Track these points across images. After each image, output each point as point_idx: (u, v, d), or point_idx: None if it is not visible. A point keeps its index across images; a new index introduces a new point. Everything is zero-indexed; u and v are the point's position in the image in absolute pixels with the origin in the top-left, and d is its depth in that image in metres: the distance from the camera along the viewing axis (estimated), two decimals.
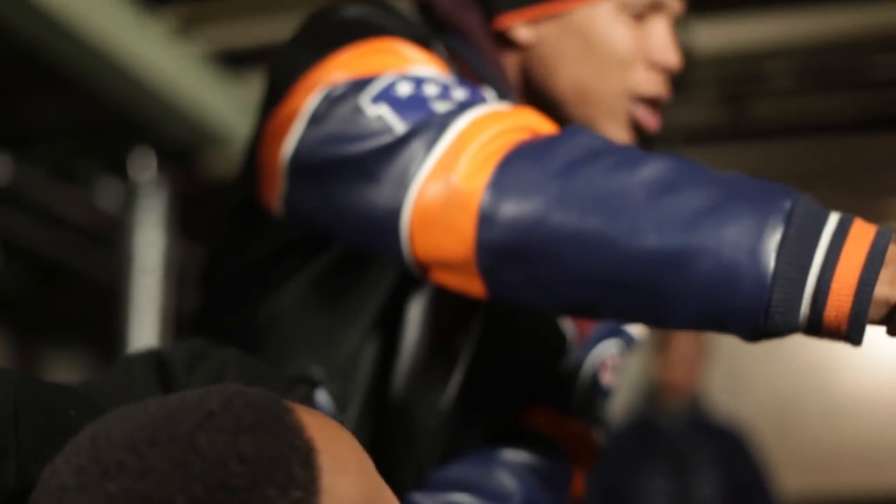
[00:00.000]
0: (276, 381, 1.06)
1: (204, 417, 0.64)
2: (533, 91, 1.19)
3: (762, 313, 0.88)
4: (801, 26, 3.26)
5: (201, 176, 3.82)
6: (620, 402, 3.52)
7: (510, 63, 1.20)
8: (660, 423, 3.40)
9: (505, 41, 1.19)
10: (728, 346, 4.87)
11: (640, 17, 1.17)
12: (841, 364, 5.26)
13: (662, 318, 0.93)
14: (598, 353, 1.28)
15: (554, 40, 1.17)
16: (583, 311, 1.04)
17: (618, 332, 1.30)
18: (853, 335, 0.89)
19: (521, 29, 1.18)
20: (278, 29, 3.10)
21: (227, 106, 3.53)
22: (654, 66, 1.18)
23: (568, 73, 1.17)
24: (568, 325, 1.25)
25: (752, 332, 0.91)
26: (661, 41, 1.17)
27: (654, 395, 3.44)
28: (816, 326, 0.89)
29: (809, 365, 5.28)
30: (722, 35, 3.13)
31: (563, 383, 1.26)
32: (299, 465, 0.63)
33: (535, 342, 1.23)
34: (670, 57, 1.17)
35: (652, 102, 1.19)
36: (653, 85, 1.18)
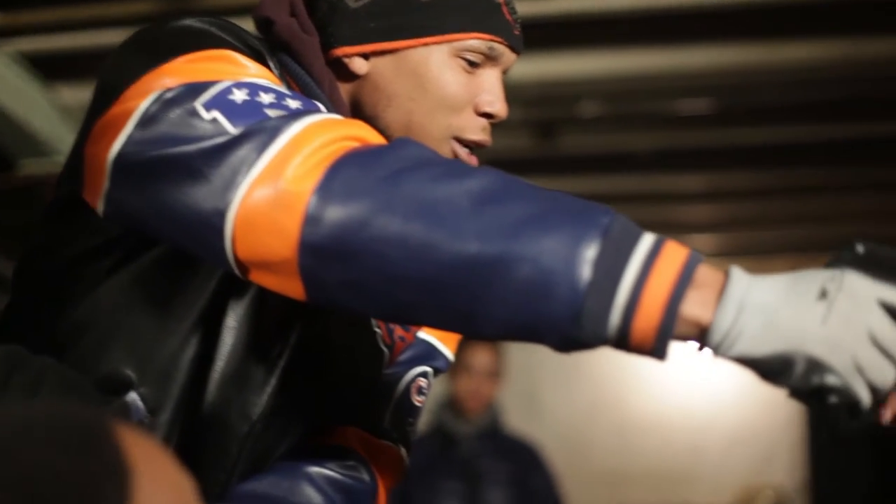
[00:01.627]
0: (92, 393, 1.04)
1: (24, 430, 0.63)
2: (364, 119, 1.19)
3: (574, 322, 0.90)
4: (611, 65, 3.40)
5: (12, 180, 3.71)
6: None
7: (344, 90, 1.22)
8: (456, 435, 3.45)
9: (341, 68, 1.21)
10: (522, 366, 5.03)
11: (473, 65, 1.20)
12: (632, 387, 5.45)
13: (479, 323, 0.95)
14: (410, 375, 1.29)
15: (388, 75, 1.19)
16: (401, 315, 1.06)
17: (431, 358, 1.32)
18: (659, 350, 0.92)
19: (357, 60, 1.20)
20: (89, 38, 3.09)
21: (37, 113, 3.45)
22: (481, 113, 1.21)
23: (398, 108, 1.19)
24: (385, 344, 1.28)
25: (564, 341, 0.93)
26: (491, 91, 1.21)
27: (451, 407, 3.50)
28: (625, 339, 0.92)
29: (601, 387, 5.45)
30: (535, 69, 3.24)
31: (375, 401, 1.26)
32: (114, 485, 0.62)
33: (352, 357, 1.24)
34: (498, 108, 1.21)
35: (474, 145, 1.22)
36: (477, 131, 1.21)
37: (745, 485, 5.35)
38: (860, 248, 1.03)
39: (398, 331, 1.27)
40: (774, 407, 5.36)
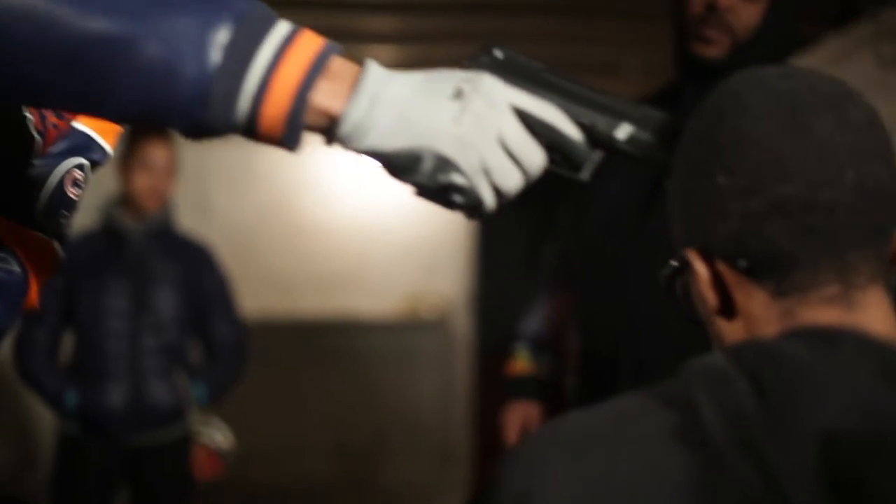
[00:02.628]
0: None
1: None
2: None
3: (202, 106, 0.89)
4: None
5: None
6: (89, 209, 3.45)
7: None
8: (126, 233, 3.37)
9: None
10: (194, 166, 4.94)
11: None
12: (303, 192, 5.46)
13: (107, 104, 0.92)
14: (65, 166, 1.23)
15: None
16: (26, 94, 1.00)
17: (87, 150, 1.24)
18: (288, 139, 0.92)
19: None
20: None
21: None
22: None
23: None
24: (36, 131, 1.20)
25: (192, 126, 0.92)
26: None
27: (123, 204, 3.40)
28: (254, 126, 0.91)
29: (273, 191, 5.42)
30: None
31: (25, 190, 1.21)
32: None
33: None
34: None
35: None
36: None
37: (411, 292, 5.54)
38: (498, 53, 1.06)
39: (51, 117, 1.19)
40: (442, 218, 5.53)
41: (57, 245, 1.22)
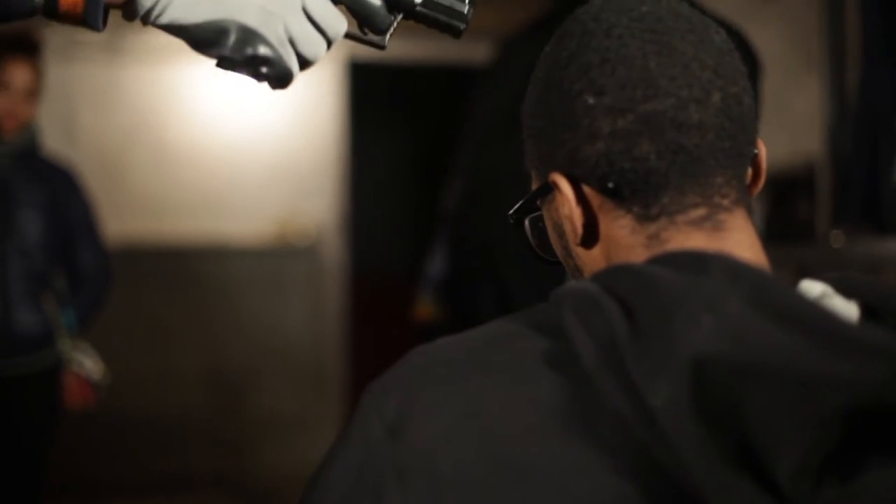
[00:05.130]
0: None
1: None
2: None
3: None
4: None
5: None
6: None
7: None
8: None
9: None
10: (59, 87, 4.79)
11: None
12: (170, 114, 5.34)
13: None
14: None
15: None
16: None
17: None
18: (89, 18, 0.90)
19: None
20: None
21: None
22: None
23: None
24: None
25: None
26: None
27: None
28: (54, 6, 0.89)
29: (140, 112, 5.29)
30: None
31: None
32: None
33: None
34: None
35: None
36: None
37: (281, 216, 5.49)
38: None
39: None
40: (313, 140, 5.49)
41: None
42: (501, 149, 2.13)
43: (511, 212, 1.00)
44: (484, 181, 2.19)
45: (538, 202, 0.98)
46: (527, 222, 1.00)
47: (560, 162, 0.92)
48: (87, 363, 3.37)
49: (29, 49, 3.31)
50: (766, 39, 3.15)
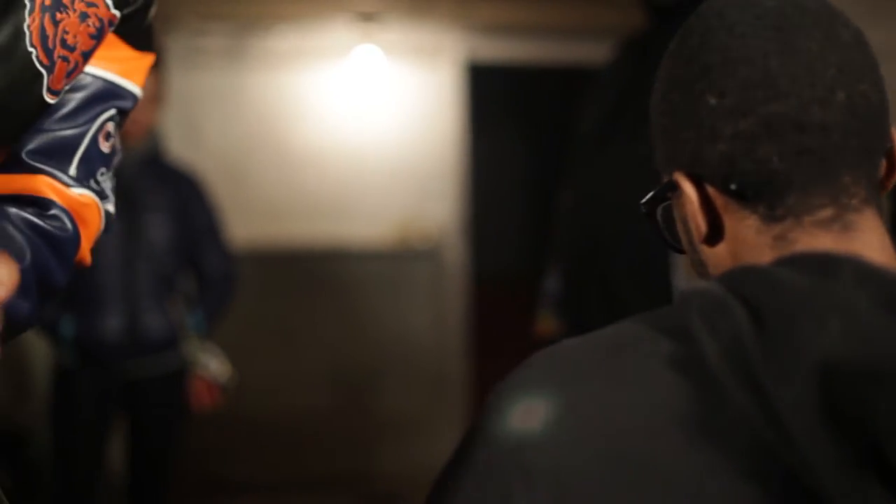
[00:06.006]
0: None
1: None
2: None
3: None
4: None
5: None
6: None
7: None
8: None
9: None
10: (183, 93, 4.89)
11: None
12: (292, 119, 5.42)
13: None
14: (96, 124, 1.20)
15: None
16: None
17: (114, 97, 1.21)
18: None
19: None
20: None
21: None
22: None
23: None
24: (41, 64, 1.16)
25: None
26: None
27: None
28: None
29: (262, 118, 5.38)
30: None
31: (58, 152, 1.17)
32: None
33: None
34: None
35: None
36: None
37: (403, 219, 5.52)
38: None
39: (59, 49, 1.13)
40: (434, 143, 5.50)
41: (99, 202, 1.21)
42: (609, 153, 2.12)
43: (642, 202, 0.99)
44: (590, 185, 2.17)
45: (668, 194, 0.97)
46: (658, 212, 0.99)
47: (683, 161, 0.92)
48: (214, 365, 3.43)
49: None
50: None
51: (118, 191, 3.72)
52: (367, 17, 5.14)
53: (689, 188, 0.91)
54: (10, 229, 1.10)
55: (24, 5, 1.09)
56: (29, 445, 4.65)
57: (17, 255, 1.08)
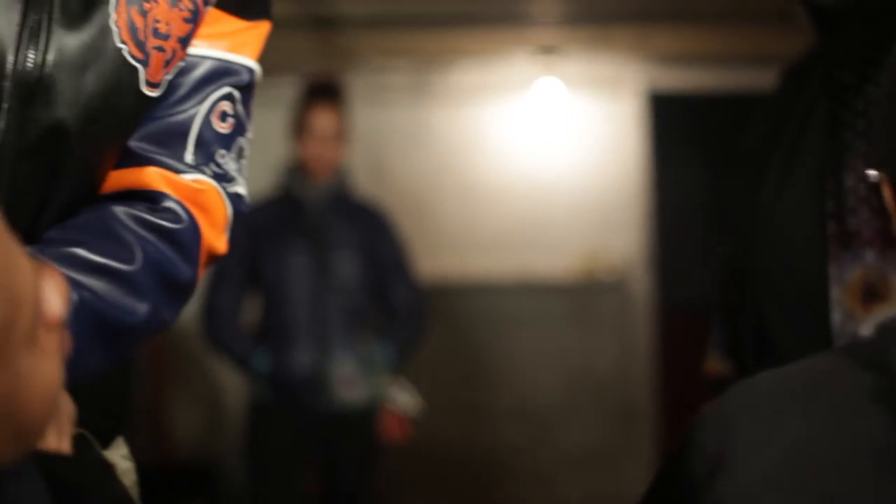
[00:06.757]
0: None
1: None
2: None
3: None
4: None
5: None
6: (265, 178, 3.54)
7: None
8: (303, 199, 3.42)
9: None
10: (368, 129, 4.98)
11: None
12: (476, 153, 5.46)
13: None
14: (207, 104, 1.15)
15: None
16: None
17: (227, 75, 1.16)
18: None
19: None
20: None
21: None
22: None
23: None
24: (134, 58, 1.10)
25: None
26: None
27: (297, 171, 3.46)
28: None
29: (446, 153, 5.44)
30: None
31: (167, 137, 1.13)
32: None
33: (93, 79, 1.08)
34: None
35: None
36: None
37: (587, 252, 5.48)
38: None
39: (152, 40, 1.11)
40: (617, 174, 5.45)
41: (218, 186, 1.16)
42: (764, 186, 2.03)
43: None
44: (742, 214, 2.08)
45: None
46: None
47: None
48: (404, 398, 3.46)
49: (331, 95, 3.47)
50: None
51: (307, 229, 3.79)
52: (548, 49, 5.14)
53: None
54: (119, 229, 1.07)
55: (108, 1, 1.06)
56: (222, 478, 4.79)
57: (125, 257, 1.05)
